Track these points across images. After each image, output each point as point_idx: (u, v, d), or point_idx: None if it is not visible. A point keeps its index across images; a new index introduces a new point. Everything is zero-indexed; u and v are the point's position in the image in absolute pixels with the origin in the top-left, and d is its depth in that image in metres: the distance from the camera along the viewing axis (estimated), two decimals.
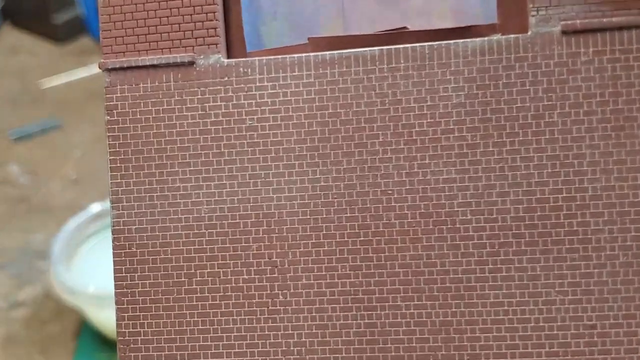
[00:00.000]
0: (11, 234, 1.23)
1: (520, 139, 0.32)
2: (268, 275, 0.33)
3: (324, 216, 0.33)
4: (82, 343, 1.00)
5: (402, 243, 0.33)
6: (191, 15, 0.34)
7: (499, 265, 0.32)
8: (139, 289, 0.34)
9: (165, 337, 0.34)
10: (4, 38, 1.84)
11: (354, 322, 0.33)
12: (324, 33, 0.36)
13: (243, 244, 0.34)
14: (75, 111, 1.52)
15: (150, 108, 0.34)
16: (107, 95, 0.34)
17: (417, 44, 0.33)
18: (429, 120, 0.33)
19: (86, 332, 1.01)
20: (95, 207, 1.06)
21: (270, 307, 0.33)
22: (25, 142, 1.47)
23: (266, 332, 0.34)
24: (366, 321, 0.33)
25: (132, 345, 0.34)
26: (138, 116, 0.34)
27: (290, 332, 0.33)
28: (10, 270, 1.15)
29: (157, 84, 0.34)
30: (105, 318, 0.93)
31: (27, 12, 1.82)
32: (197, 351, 0.34)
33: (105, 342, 0.99)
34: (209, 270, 0.34)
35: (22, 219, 1.27)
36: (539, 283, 0.32)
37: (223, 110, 0.34)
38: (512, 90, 0.32)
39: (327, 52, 0.33)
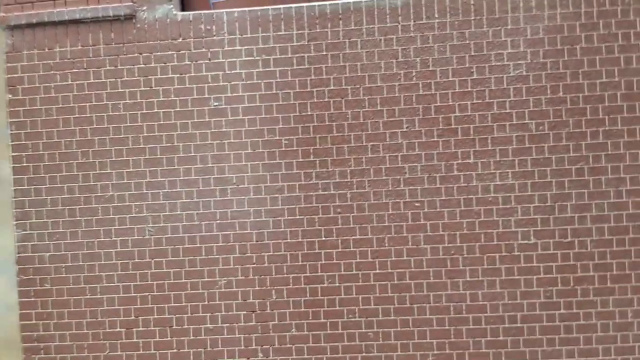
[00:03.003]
0: (9, 235, 1.15)
1: (606, 128, 0.22)
2: (242, 324, 0.22)
3: (323, 239, 0.22)
4: None
5: (436, 278, 0.22)
6: None
7: (574, 310, 0.23)
8: (56, 344, 0.23)
9: None
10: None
11: None
12: None
13: (206, 279, 0.22)
14: None
15: (70, 82, 0.23)
16: (9, 65, 0.23)
17: None
18: (475, 102, 0.22)
19: None
20: None
21: None
22: None
23: None
24: None
25: None
26: (53, 94, 0.23)
27: None
28: (7, 272, 1.07)
29: (80, 47, 0.23)
30: None
31: None
32: None
33: None
34: (156, 316, 0.23)
35: None
36: (630, 335, 0.22)
37: (176, 86, 0.23)
38: (595, 58, 0.22)
39: (327, 2, 0.22)
